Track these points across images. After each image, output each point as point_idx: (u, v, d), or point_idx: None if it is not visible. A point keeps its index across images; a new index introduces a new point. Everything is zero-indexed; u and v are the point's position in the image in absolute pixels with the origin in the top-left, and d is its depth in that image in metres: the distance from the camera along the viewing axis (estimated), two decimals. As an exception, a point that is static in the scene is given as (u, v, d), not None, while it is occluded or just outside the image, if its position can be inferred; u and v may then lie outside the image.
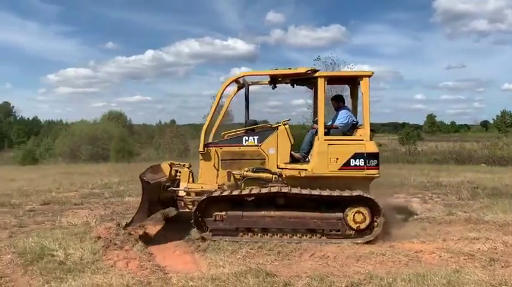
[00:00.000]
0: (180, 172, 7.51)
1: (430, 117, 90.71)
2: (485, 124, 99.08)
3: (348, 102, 7.90)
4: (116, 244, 6.14)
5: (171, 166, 7.60)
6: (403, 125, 67.22)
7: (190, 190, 7.13)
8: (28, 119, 78.54)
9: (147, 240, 6.46)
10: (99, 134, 36.05)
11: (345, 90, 10.97)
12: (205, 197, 6.56)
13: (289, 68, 7.15)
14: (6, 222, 8.22)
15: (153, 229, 7.33)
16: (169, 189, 7.21)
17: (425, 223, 7.73)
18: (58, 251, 5.75)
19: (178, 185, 7.33)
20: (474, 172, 17.27)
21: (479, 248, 5.96)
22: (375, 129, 7.91)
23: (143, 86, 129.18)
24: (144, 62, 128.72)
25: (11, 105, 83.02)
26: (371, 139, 6.75)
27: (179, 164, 7.64)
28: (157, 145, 38.80)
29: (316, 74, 6.88)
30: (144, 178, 6.69)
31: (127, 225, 6.59)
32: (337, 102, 7.63)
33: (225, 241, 6.31)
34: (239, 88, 7.64)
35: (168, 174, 7.49)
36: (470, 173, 16.21)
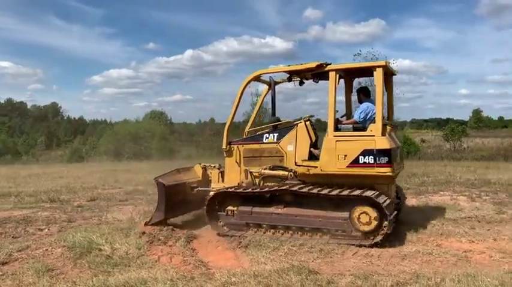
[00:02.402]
0: (211, 173, 7.68)
1: (476, 113, 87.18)
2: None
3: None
4: (159, 240, 6.30)
5: (204, 167, 7.82)
6: (447, 120, 64.87)
7: (213, 189, 7.24)
8: (74, 118, 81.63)
9: (190, 236, 6.55)
10: (141, 133, 37.09)
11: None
12: (212, 194, 6.90)
13: (301, 64, 6.95)
14: (56, 217, 8.59)
15: (195, 225, 7.42)
16: (196, 190, 7.43)
17: (474, 221, 7.42)
18: (105, 246, 5.93)
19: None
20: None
21: (535, 249, 5.65)
22: (397, 125, 7.44)
23: (183, 85, 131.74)
24: (183, 62, 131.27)
25: (59, 105, 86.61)
26: (384, 135, 6.25)
27: (210, 165, 7.85)
28: (198, 143, 39.37)
29: (327, 68, 6.62)
30: (159, 180, 7.11)
31: (146, 223, 6.98)
32: (360, 94, 7.24)
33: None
34: (269, 87, 7.54)
35: (201, 175, 7.73)
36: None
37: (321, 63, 6.65)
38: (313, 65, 6.69)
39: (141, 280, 4.63)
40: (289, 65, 7.07)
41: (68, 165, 29.07)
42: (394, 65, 31.05)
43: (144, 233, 6.62)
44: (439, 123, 75.13)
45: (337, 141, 6.38)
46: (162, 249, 5.94)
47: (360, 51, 31.13)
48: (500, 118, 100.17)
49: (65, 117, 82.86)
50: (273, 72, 7.35)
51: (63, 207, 9.81)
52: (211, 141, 35.81)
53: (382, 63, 6.42)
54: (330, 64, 6.69)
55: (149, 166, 22.99)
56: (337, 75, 6.57)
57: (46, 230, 7.49)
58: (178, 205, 7.36)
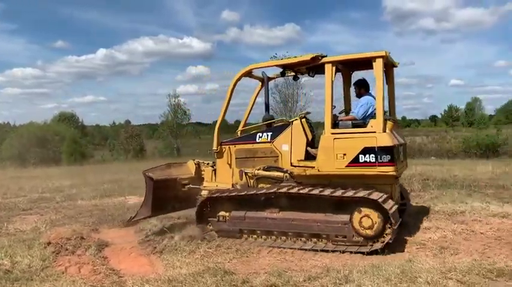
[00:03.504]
0: (204, 170, 7.35)
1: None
2: (434, 119, 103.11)
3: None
4: (67, 249, 5.94)
5: (197, 164, 7.48)
6: (357, 121, 68.85)
7: (205, 188, 6.93)
8: (-29, 122, 74.23)
9: (101, 244, 6.24)
10: (49, 136, 34.72)
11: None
12: (203, 198, 6.52)
13: (295, 57, 6.58)
14: None
15: (107, 232, 7.10)
16: (186, 187, 7.10)
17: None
18: (4, 260, 5.47)
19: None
20: (424, 164, 17.88)
21: (430, 237, 6.17)
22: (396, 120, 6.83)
23: (96, 85, 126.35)
24: (96, 61, 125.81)
25: (-48, 107, 78.38)
26: (385, 131, 5.78)
27: (203, 162, 7.51)
28: (112, 146, 37.82)
29: (323, 60, 6.16)
30: (148, 174, 6.75)
31: (131, 219, 6.74)
32: (359, 88, 6.73)
33: (181, 241, 6.19)
34: (262, 83, 7.23)
35: (193, 172, 7.39)
36: (421, 166, 16.77)
37: (316, 56, 6.22)
38: (307, 57, 6.26)
39: (45, 294, 4.33)
40: (281, 59, 6.75)
41: (-37, 173, 26.34)
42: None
43: (49, 243, 6.18)
44: (349, 124, 79.27)
45: (335, 139, 5.89)
46: (70, 259, 5.59)
47: (276, 54, 31.89)
48: (403, 118, 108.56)
49: (-40, 121, 75.09)
50: (265, 67, 6.95)
51: (-44, 220, 8.85)
52: (126, 144, 34.59)
53: (382, 53, 5.86)
54: (326, 56, 6.27)
55: (58, 171, 21.58)
56: (334, 68, 6.09)
57: None
58: (167, 201, 6.97)
